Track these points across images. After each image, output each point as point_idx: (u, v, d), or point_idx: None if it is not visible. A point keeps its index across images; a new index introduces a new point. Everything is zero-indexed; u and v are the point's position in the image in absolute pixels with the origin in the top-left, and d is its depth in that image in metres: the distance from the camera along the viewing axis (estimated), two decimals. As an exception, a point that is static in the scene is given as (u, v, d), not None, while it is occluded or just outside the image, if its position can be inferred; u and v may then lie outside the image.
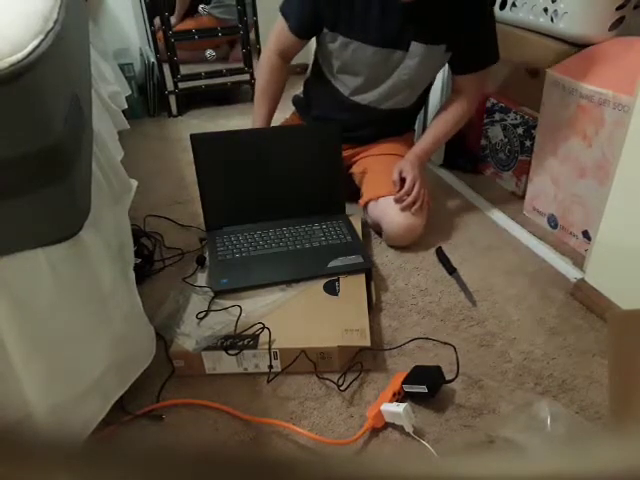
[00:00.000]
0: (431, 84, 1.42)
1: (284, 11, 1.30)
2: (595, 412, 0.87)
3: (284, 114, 1.58)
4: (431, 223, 1.40)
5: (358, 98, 1.36)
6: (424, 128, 1.76)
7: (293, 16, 1.28)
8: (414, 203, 1.26)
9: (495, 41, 1.28)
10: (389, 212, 1.28)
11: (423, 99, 1.45)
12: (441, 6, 1.18)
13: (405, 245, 1.30)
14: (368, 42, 1.23)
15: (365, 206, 1.36)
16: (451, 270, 1.21)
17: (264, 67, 1.37)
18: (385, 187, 1.31)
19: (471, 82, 1.32)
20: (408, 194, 1.26)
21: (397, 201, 1.27)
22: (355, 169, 1.44)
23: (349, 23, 1.22)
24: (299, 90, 1.54)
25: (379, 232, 1.35)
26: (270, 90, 1.38)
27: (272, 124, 1.48)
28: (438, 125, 1.36)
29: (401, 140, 1.46)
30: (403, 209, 1.26)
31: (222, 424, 0.87)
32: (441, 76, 1.60)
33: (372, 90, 1.34)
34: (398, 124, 1.46)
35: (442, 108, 1.38)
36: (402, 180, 1.29)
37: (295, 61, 1.41)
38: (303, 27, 1.29)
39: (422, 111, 1.63)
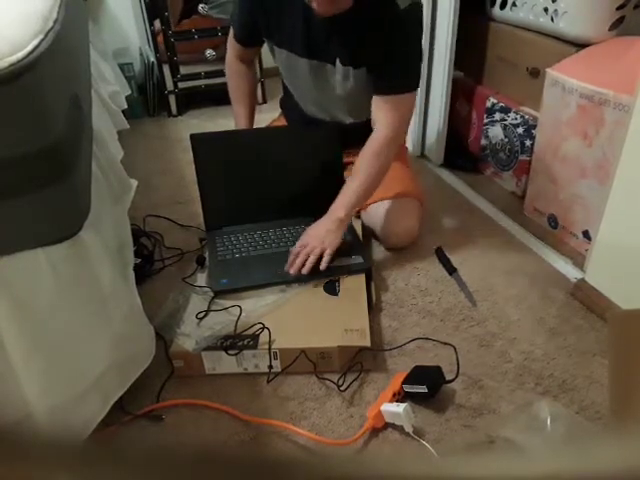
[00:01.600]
0: None
1: (231, 20, 1.32)
2: (595, 412, 0.87)
3: (272, 115, 1.57)
4: (431, 223, 1.40)
5: (309, 110, 1.34)
6: (425, 123, 1.77)
7: (236, 25, 1.30)
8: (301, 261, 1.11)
9: (416, 68, 1.18)
10: (380, 220, 1.28)
11: None
12: (361, 26, 1.11)
13: (403, 246, 1.30)
14: (296, 53, 1.20)
15: (358, 214, 1.34)
16: (451, 270, 1.21)
17: (228, 72, 1.40)
18: (375, 193, 1.26)
19: (384, 108, 1.16)
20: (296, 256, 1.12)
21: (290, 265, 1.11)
22: (347, 173, 1.42)
23: (279, 33, 1.21)
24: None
25: (376, 237, 1.34)
26: (240, 91, 1.39)
27: (262, 124, 1.48)
28: (355, 169, 1.18)
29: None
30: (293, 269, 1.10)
31: (222, 424, 0.87)
32: (440, 80, 1.60)
33: (313, 102, 1.31)
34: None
35: (360, 155, 1.19)
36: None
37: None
38: (244, 36, 1.30)
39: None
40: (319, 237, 1.11)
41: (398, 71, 1.15)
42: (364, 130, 1.21)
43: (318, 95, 1.28)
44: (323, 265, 1.08)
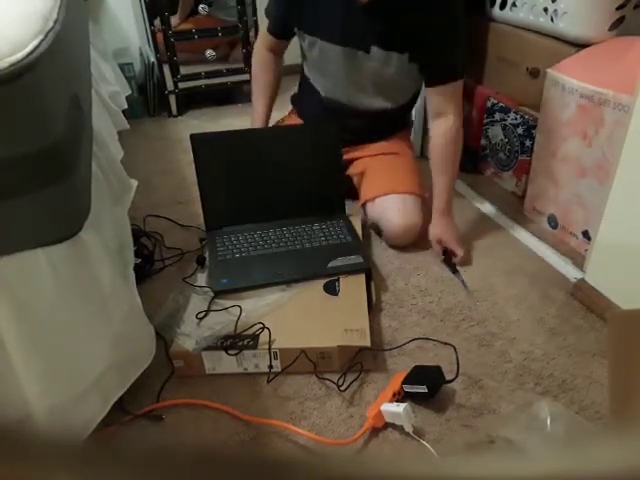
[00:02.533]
0: (418, 90, 1.37)
1: (266, 11, 1.37)
2: (595, 412, 0.87)
3: (282, 113, 1.58)
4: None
5: (332, 98, 1.36)
6: (425, 123, 1.76)
7: (272, 16, 1.35)
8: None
9: (464, 53, 1.24)
10: (387, 212, 1.29)
11: (409, 103, 1.42)
12: (406, 13, 1.15)
13: (405, 244, 1.30)
14: (330, 40, 1.24)
15: (363, 206, 1.37)
16: (454, 270, 1.22)
17: (255, 59, 1.45)
18: (381, 187, 1.32)
19: (444, 99, 1.22)
20: (455, 255, 1.24)
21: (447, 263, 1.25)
22: (352, 170, 1.43)
23: (313, 21, 1.25)
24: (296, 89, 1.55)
25: (379, 233, 1.35)
26: (263, 80, 1.42)
27: (271, 122, 1.48)
28: (440, 168, 1.26)
29: (397, 137, 1.45)
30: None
31: (222, 424, 0.87)
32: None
33: (340, 90, 1.33)
34: (388, 125, 1.44)
35: (432, 146, 1.28)
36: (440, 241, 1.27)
37: (292, 61, 1.43)
38: (278, 28, 1.35)
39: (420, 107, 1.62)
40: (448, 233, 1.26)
41: (449, 59, 1.22)
42: (383, 120, 1.34)
43: (348, 82, 1.31)
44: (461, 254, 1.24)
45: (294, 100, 1.54)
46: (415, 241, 1.31)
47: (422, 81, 1.27)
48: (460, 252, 1.24)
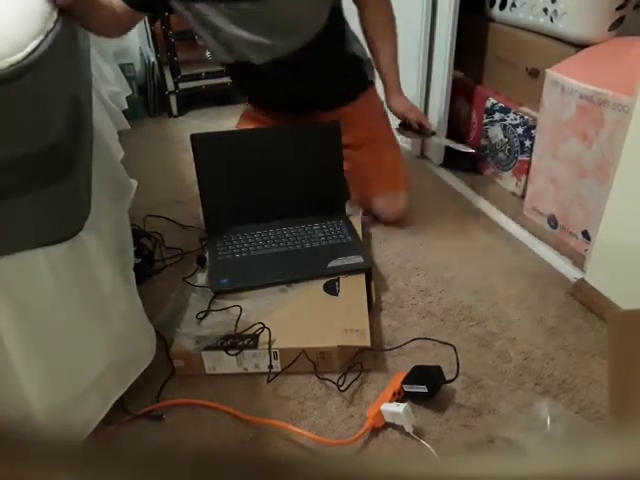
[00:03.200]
0: (336, 21, 1.27)
1: None
2: (595, 412, 0.87)
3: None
4: (431, 223, 1.41)
5: (259, 55, 1.22)
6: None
7: None
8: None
9: None
10: (376, 206, 1.41)
11: (332, 39, 1.28)
12: None
13: (399, 218, 1.42)
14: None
15: (365, 213, 1.43)
16: (429, 133, 1.30)
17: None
18: (374, 188, 1.39)
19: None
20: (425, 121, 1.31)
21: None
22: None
23: None
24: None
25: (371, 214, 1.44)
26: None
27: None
28: (385, 49, 1.29)
29: (363, 98, 1.39)
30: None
31: (222, 424, 0.87)
32: (440, 80, 1.60)
33: (256, 37, 1.18)
34: (331, 73, 1.33)
35: (363, 31, 1.30)
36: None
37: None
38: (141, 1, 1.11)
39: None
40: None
41: None
42: (323, 61, 1.28)
43: (256, 35, 1.17)
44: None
45: (249, 98, 1.46)
46: (406, 211, 1.42)
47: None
48: (428, 123, 1.30)
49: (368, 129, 1.39)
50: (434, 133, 1.30)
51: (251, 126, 1.44)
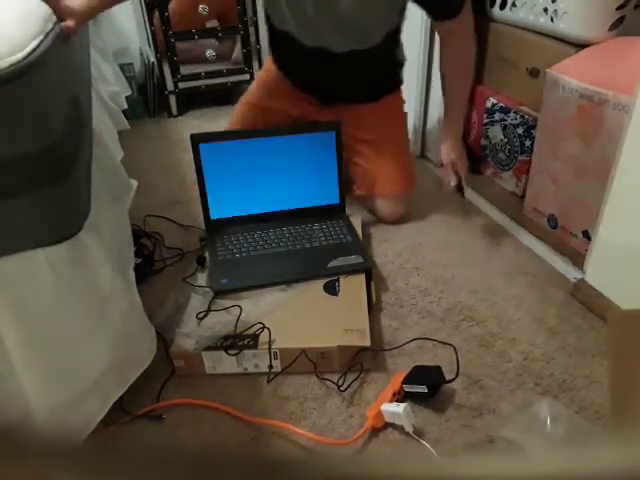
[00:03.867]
0: (399, 27, 1.31)
1: None
2: (595, 412, 0.87)
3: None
4: (431, 223, 1.41)
5: (313, 42, 1.24)
6: (424, 124, 1.76)
7: None
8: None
9: None
10: (378, 204, 1.42)
11: (390, 43, 1.33)
12: None
13: (399, 220, 1.42)
14: None
15: (369, 211, 1.45)
16: (463, 194, 1.32)
17: None
18: (376, 186, 1.39)
19: (457, 24, 1.23)
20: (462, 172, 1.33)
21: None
22: (349, 155, 1.42)
23: None
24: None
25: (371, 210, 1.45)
26: None
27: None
28: (453, 87, 1.28)
29: (387, 98, 1.41)
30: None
31: (222, 424, 0.87)
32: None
33: (319, 30, 1.22)
34: (374, 74, 1.36)
35: (442, 62, 1.30)
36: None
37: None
38: None
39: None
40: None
41: None
42: (366, 65, 1.29)
43: (318, 21, 1.19)
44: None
45: (280, 65, 1.45)
46: (406, 210, 1.43)
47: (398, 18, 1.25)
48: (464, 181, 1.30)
49: (383, 128, 1.41)
50: (463, 195, 1.29)
51: (263, 96, 1.46)
